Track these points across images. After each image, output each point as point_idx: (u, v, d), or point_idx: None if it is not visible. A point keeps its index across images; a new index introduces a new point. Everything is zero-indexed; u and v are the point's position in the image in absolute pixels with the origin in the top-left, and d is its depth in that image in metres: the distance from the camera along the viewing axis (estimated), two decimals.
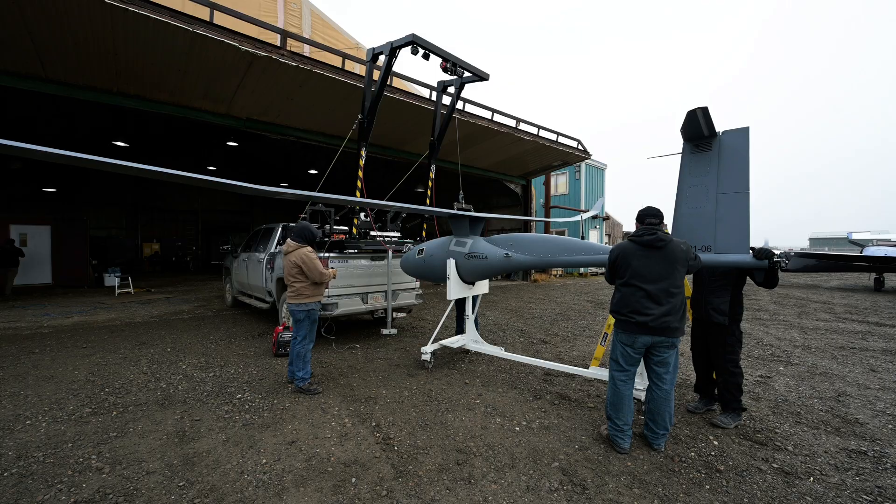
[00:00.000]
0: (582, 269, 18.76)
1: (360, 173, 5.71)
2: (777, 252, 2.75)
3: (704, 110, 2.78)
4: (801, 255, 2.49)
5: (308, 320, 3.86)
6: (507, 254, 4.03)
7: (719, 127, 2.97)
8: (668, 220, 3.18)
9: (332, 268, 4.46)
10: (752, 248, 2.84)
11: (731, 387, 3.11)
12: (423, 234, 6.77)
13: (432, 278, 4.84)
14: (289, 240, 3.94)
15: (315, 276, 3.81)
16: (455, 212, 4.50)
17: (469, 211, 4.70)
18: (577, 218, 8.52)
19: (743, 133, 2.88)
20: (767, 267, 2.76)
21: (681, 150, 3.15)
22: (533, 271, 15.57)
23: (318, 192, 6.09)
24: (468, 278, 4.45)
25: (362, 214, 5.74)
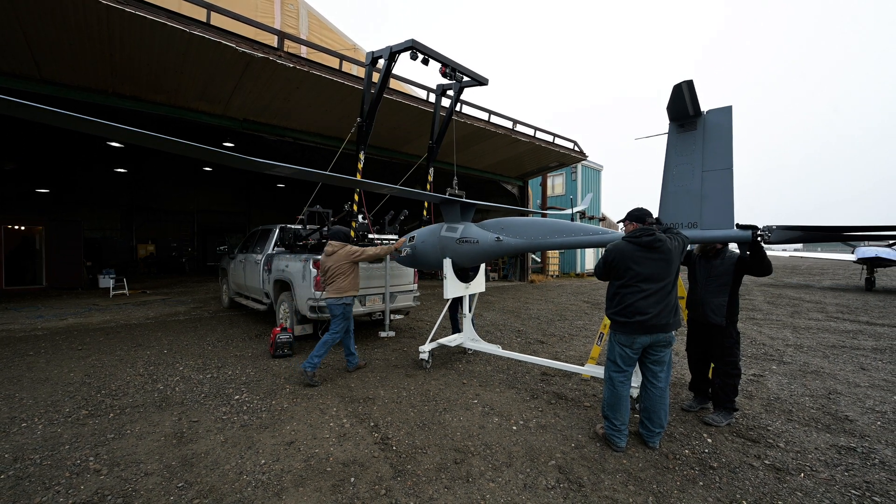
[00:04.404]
0: (579, 269, 18.88)
1: (359, 176, 5.73)
2: (760, 227, 2.81)
3: (689, 84, 2.79)
4: (785, 227, 2.50)
5: (343, 316, 4.19)
6: (497, 237, 4.05)
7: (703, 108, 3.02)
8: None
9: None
10: (737, 224, 2.90)
11: (728, 388, 3.15)
12: None
13: (424, 265, 4.86)
14: (330, 241, 4.34)
15: (379, 255, 4.49)
16: (446, 196, 4.52)
17: (461, 198, 4.71)
18: (568, 212, 8.59)
19: (726, 111, 2.94)
20: (751, 239, 2.82)
21: (667, 131, 3.21)
22: (530, 272, 15.65)
23: (316, 192, 6.11)
24: (461, 263, 4.46)
25: (360, 217, 5.75)
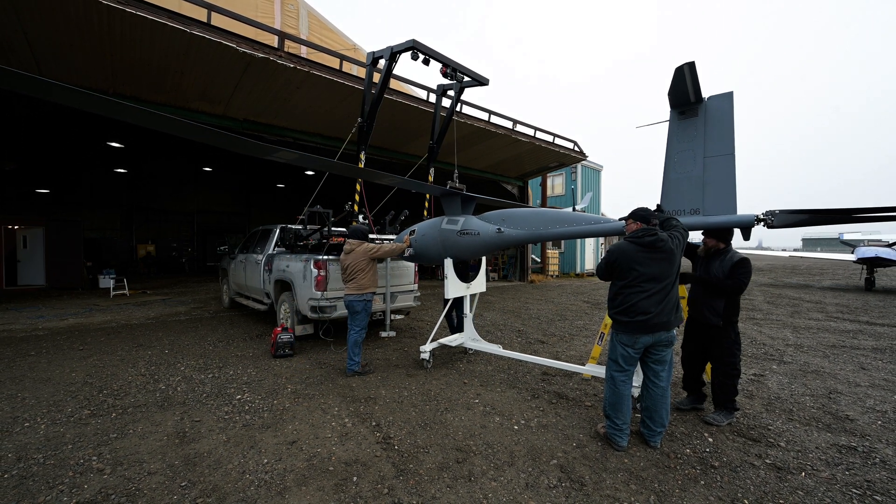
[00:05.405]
0: (578, 269, 18.89)
1: (360, 178, 5.74)
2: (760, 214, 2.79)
3: (691, 66, 2.76)
4: (789, 211, 2.46)
5: (364, 312, 4.31)
6: (499, 229, 4.03)
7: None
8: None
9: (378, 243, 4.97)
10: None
11: (727, 388, 3.16)
12: None
13: (424, 259, 4.86)
14: (348, 240, 4.42)
15: (395, 252, 4.52)
16: (447, 189, 4.52)
17: (461, 191, 4.71)
18: (568, 210, 8.61)
19: (727, 97, 2.93)
20: (753, 224, 2.81)
21: (668, 118, 3.18)
22: (530, 272, 15.65)
23: (316, 192, 6.11)
24: (462, 257, 4.46)
25: (360, 217, 5.76)
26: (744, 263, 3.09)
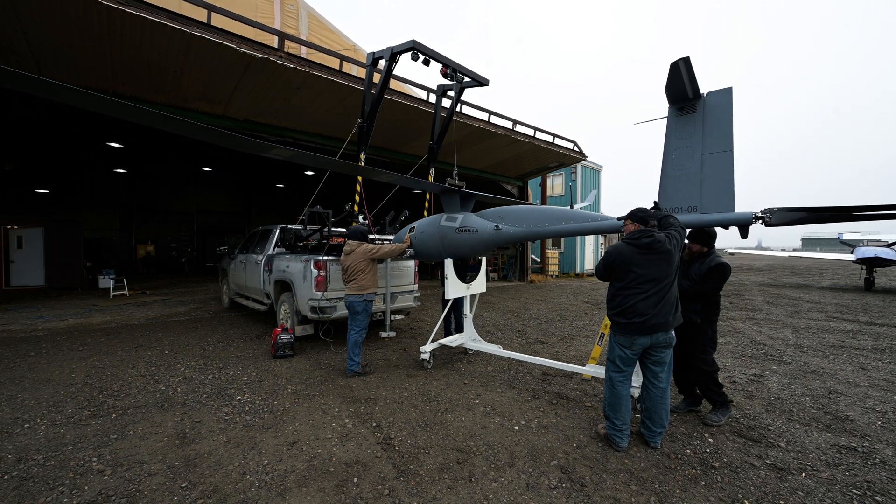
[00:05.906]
0: (578, 269, 18.89)
1: (360, 179, 5.74)
2: (758, 212, 2.78)
3: (686, 61, 2.73)
4: (788, 209, 2.44)
5: (365, 312, 4.33)
6: (497, 226, 4.05)
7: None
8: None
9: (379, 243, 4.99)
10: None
11: (709, 382, 3.16)
12: None
13: (424, 256, 4.88)
14: (348, 241, 4.44)
15: (394, 252, 4.51)
16: (446, 186, 4.54)
17: (461, 188, 4.72)
18: (567, 208, 8.59)
19: (726, 93, 2.90)
20: (751, 221, 2.80)
21: (666, 114, 3.16)
22: (530, 272, 15.66)
23: (316, 192, 6.11)
24: (461, 254, 4.48)
25: (360, 217, 5.76)
26: (718, 269, 3.05)
